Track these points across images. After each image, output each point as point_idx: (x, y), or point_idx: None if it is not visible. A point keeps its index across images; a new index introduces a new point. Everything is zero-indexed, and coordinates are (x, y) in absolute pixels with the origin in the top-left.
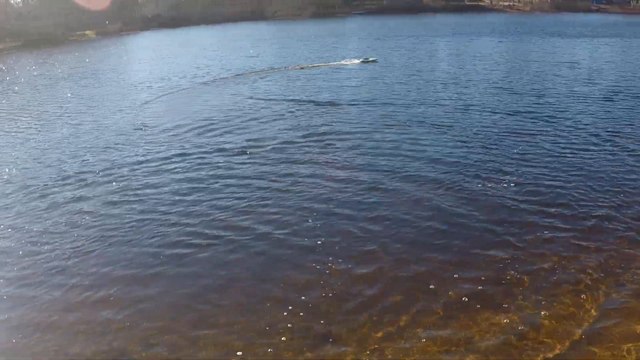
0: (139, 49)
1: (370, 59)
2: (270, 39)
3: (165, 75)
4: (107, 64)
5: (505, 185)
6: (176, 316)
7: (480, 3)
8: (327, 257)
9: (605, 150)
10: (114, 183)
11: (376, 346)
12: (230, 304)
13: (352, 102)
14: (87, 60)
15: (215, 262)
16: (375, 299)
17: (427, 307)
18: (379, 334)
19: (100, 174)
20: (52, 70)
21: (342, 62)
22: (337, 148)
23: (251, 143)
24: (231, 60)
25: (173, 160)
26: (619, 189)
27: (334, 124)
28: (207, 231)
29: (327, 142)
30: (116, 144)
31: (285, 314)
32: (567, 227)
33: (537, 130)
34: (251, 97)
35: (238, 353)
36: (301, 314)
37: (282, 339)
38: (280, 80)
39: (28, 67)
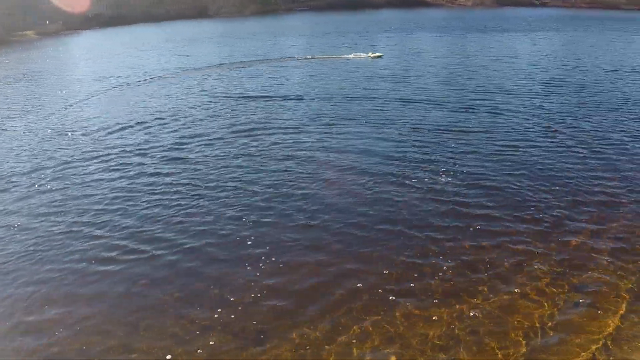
0: (78, 49)
1: (377, 54)
2: (209, 37)
3: (99, 76)
4: (42, 65)
5: (443, 179)
6: (109, 324)
7: None
8: (261, 257)
9: (544, 145)
10: (38, 192)
11: (310, 346)
12: (160, 309)
13: (288, 98)
14: (23, 61)
15: (143, 269)
16: (311, 297)
17: (365, 305)
18: (316, 333)
19: (24, 180)
20: None
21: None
22: (264, 144)
23: (184, 141)
24: (169, 58)
25: (98, 165)
26: (557, 182)
27: (263, 119)
28: (134, 240)
29: (255, 137)
30: (44, 149)
31: (217, 315)
32: (511, 225)
33: (475, 125)
34: (187, 96)
35: (168, 357)
36: (233, 315)
37: (213, 341)
38: (217, 79)
39: None
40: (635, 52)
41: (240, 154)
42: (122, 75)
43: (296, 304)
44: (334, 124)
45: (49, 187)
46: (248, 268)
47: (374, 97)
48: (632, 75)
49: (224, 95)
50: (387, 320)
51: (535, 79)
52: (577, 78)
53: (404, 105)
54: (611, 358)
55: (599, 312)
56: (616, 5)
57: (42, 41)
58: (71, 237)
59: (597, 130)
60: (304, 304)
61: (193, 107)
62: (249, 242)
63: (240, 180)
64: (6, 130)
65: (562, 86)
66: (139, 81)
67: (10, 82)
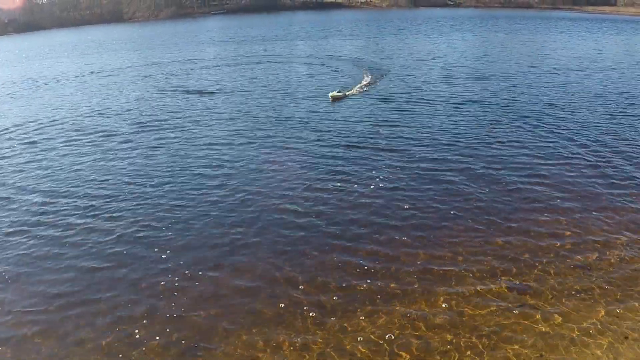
0: None
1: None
2: (120, 42)
3: (10, 80)
4: None
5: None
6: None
7: (337, 0)
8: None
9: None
10: None
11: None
12: (82, 321)
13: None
14: None
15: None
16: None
17: (293, 311)
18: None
19: None
20: None
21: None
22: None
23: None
24: (75, 63)
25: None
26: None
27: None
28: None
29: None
30: None
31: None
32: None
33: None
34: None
35: None
36: (158, 325)
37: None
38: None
39: None
40: (549, 49)
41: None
42: (31, 79)
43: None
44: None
45: None
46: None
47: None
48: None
49: (125, 97)
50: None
51: (451, 79)
52: (487, 75)
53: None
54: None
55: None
56: (528, 4)
57: None
58: None
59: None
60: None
61: (93, 106)
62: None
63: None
64: None
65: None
66: (44, 84)
67: None
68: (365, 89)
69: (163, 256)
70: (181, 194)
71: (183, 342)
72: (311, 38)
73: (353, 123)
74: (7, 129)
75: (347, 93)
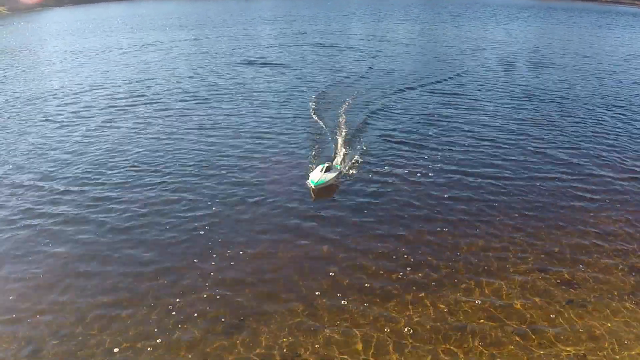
0: (53, 25)
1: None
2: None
3: (72, 50)
4: (21, 40)
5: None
6: None
7: None
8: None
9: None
10: None
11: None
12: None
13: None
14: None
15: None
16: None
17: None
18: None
19: None
20: None
21: None
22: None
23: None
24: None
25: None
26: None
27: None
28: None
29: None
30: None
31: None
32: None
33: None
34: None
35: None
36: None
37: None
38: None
39: None
40: (612, 45)
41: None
42: (87, 49)
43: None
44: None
45: None
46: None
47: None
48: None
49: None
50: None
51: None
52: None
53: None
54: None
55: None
56: None
57: (14, 17)
58: None
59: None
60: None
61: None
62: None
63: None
64: None
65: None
66: (96, 55)
67: None
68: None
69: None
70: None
71: (223, 319)
72: (366, 21)
73: (409, 116)
74: (67, 95)
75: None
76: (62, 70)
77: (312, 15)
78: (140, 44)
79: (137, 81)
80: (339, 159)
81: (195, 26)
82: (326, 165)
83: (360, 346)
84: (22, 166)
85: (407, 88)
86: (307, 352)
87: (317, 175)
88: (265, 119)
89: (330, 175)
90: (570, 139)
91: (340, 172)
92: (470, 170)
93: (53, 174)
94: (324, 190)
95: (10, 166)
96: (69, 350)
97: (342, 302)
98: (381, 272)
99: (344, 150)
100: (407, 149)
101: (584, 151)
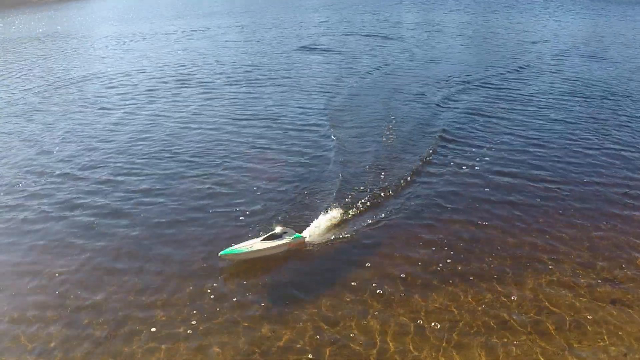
0: (103, 10)
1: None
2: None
3: (120, 35)
4: (71, 25)
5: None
6: None
7: None
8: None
9: None
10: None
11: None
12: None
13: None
14: (54, 21)
15: None
16: None
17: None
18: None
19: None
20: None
21: None
22: None
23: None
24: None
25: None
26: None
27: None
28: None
29: None
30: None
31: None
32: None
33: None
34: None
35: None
36: None
37: None
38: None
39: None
40: None
41: None
42: (135, 34)
43: None
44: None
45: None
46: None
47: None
48: None
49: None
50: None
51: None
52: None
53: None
54: None
55: None
56: None
57: (65, 3)
58: None
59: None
60: None
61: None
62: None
63: None
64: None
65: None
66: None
67: (44, 40)
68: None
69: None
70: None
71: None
72: (414, 10)
73: (455, 110)
74: (121, 79)
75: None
76: (108, 55)
77: (360, 3)
78: (188, 30)
79: (183, 67)
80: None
81: (242, 13)
82: (278, 229)
83: (398, 334)
84: (64, 154)
85: (454, 81)
86: (351, 337)
87: (245, 243)
88: (313, 109)
89: (262, 246)
90: (623, 141)
91: (297, 242)
92: (517, 171)
93: (96, 164)
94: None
95: (51, 154)
96: (103, 351)
97: (379, 290)
98: (419, 263)
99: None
100: (452, 146)
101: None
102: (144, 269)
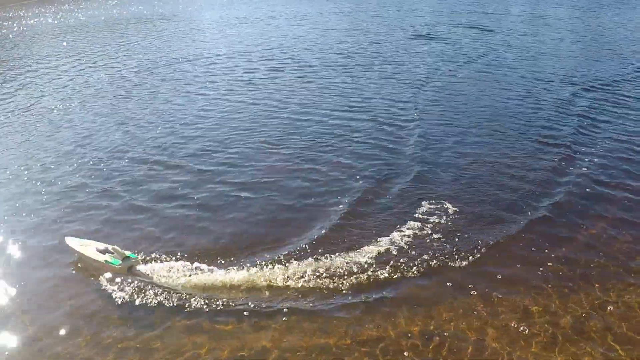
0: None
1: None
2: None
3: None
4: (169, 9)
5: None
6: None
7: None
8: None
9: None
10: None
11: None
12: None
13: None
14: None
15: None
16: None
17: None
18: None
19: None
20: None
21: None
22: None
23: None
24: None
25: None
26: None
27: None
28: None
29: None
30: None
31: None
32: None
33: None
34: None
35: None
36: None
37: None
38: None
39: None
40: None
41: None
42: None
43: None
44: None
45: None
46: None
47: None
48: None
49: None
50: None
51: None
52: None
53: None
54: None
55: None
56: None
57: None
58: None
59: None
60: None
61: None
62: None
63: None
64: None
65: None
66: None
67: (145, 22)
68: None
69: None
70: None
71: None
72: (522, 2)
73: (561, 114)
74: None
75: None
76: (209, 39)
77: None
78: (291, 15)
79: (283, 53)
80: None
81: None
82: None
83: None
84: (160, 141)
85: (562, 80)
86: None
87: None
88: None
89: (90, 253)
90: None
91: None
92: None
93: (192, 152)
94: None
95: (144, 139)
96: None
97: (472, 292)
98: (518, 265)
99: None
100: (555, 150)
101: None
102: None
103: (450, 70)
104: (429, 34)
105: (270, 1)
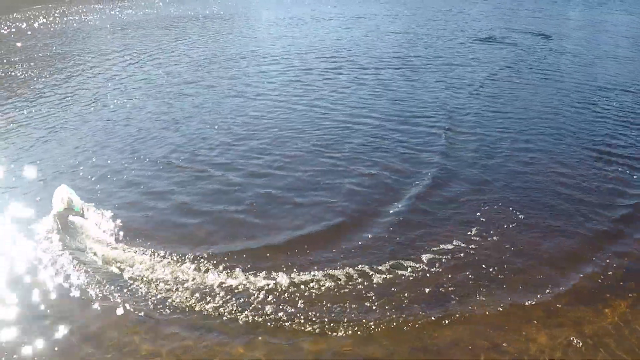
0: None
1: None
2: None
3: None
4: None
5: None
6: None
7: None
8: None
9: None
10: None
11: None
12: None
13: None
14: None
15: None
16: None
17: None
18: None
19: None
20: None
21: None
22: None
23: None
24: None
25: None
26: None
27: None
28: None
29: None
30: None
31: None
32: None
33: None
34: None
35: None
36: None
37: None
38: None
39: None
40: None
41: None
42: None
43: None
44: None
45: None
46: None
47: None
48: None
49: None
50: None
51: None
52: None
53: None
54: None
55: None
56: None
57: None
58: None
59: None
60: None
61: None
62: None
63: None
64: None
65: None
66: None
67: (202, 20)
68: None
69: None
70: None
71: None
72: (579, 6)
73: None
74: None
75: None
76: (264, 38)
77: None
78: (347, 17)
79: (338, 53)
80: None
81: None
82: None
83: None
84: (211, 142)
85: (620, 89)
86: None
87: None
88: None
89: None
90: None
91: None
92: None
93: (244, 153)
94: None
95: (197, 140)
96: None
97: (529, 302)
98: (574, 274)
99: None
100: (621, 161)
101: None
102: None
103: (509, 76)
104: (487, 39)
105: (325, 2)
